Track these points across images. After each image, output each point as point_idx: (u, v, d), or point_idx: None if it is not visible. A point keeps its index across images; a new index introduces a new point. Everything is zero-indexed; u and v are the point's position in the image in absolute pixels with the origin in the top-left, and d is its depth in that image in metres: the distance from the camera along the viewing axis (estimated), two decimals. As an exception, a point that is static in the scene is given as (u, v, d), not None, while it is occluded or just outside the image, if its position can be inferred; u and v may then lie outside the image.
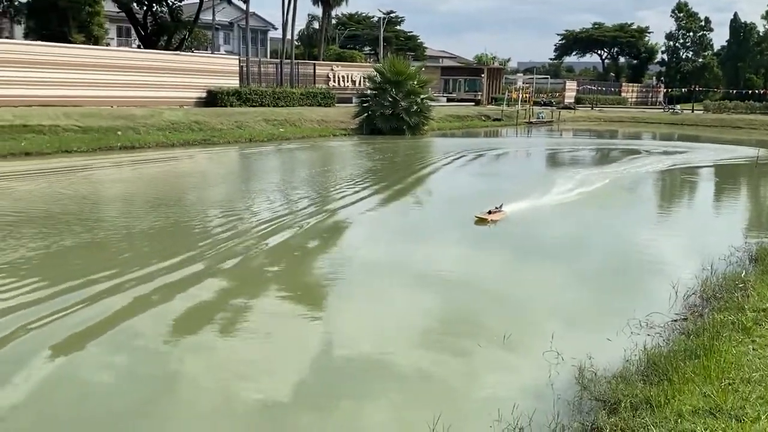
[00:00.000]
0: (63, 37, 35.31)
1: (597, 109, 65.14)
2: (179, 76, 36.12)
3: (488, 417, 5.04)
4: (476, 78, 62.82)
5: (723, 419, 4.45)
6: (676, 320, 7.40)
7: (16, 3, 39.13)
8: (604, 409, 5.04)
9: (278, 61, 45.83)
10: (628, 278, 9.72)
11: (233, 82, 38.98)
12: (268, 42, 64.85)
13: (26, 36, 39.49)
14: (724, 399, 4.71)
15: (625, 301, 8.37)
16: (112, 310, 7.53)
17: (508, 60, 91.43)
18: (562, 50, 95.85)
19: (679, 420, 4.51)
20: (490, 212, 12.75)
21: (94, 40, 39.49)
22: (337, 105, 42.42)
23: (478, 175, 22.11)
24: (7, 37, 40.27)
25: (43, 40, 33.19)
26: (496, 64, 72.48)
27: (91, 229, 11.98)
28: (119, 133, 25.84)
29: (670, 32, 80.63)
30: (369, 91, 37.80)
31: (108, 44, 44.43)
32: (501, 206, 13.25)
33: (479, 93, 60.14)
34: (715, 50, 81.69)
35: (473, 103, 56.59)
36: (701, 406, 4.68)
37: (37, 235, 11.08)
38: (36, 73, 29.66)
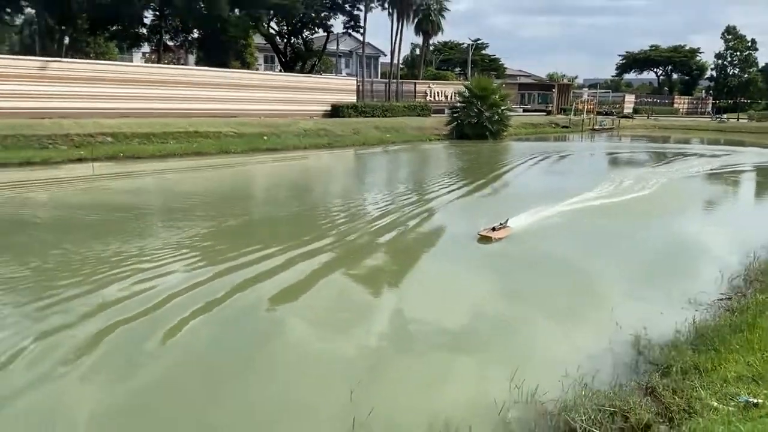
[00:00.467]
0: (224, 64, 36.87)
1: (652, 118, 61.79)
2: (310, 94, 36.94)
3: (557, 374, 4.93)
4: (548, 92, 60.96)
5: (765, 385, 4.23)
6: (721, 299, 6.99)
7: (189, 38, 41.17)
8: (657, 372, 4.86)
9: (386, 80, 46.11)
10: (680, 263, 9.12)
11: (351, 98, 39.55)
12: (379, 65, 65.22)
13: (197, 63, 41.48)
14: (766, 368, 4.48)
15: (677, 282, 7.93)
16: (259, 274, 7.68)
17: (575, 77, 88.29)
18: (623, 68, 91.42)
19: (725, 384, 4.32)
20: (494, 229, 10.04)
21: (247, 65, 41.09)
22: (432, 115, 42.24)
23: (548, 173, 21.44)
24: (183, 64, 42.49)
25: (209, 66, 34.84)
26: (565, 81, 70.16)
27: (246, 213, 12.47)
28: (265, 138, 26.77)
29: (719, 52, 75.09)
30: (459, 104, 37.48)
31: (257, 69, 46.02)
32: (506, 222, 10.45)
33: (550, 105, 58.36)
34: (760, 67, 75.73)
35: (545, 113, 55.04)
36: (744, 374, 4.46)
37: (206, 217, 11.47)
38: (205, 91, 31.16)
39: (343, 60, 60.40)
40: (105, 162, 19.70)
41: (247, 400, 4.64)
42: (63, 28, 35.27)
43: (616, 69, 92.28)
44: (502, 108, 36.59)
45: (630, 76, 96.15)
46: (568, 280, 7.98)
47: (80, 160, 19.47)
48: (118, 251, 8.56)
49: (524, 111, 55.60)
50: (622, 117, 57.46)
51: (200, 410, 4.53)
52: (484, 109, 35.02)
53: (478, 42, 70.65)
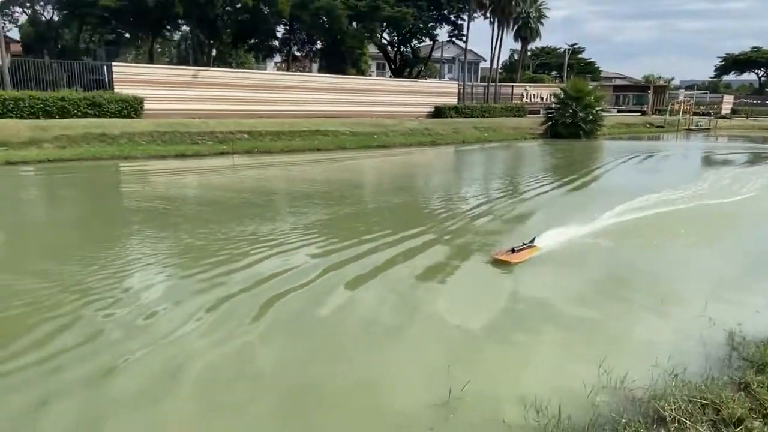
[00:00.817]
0: (342, 71, 37.76)
1: (752, 118, 56.13)
2: (415, 97, 36.96)
3: (647, 363, 4.58)
4: (643, 94, 56.91)
5: None
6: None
7: (314, 49, 42.52)
8: (752, 368, 4.40)
9: (485, 84, 45.15)
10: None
11: (453, 100, 39.14)
12: (479, 70, 63.98)
13: (319, 70, 42.81)
14: None
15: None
16: (373, 258, 7.73)
17: (672, 79, 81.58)
18: (722, 70, 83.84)
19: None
20: (513, 250, 7.55)
21: (361, 72, 41.81)
22: (527, 116, 40.91)
23: (641, 171, 20.00)
24: (307, 72, 43.98)
25: (329, 73, 35.83)
26: (661, 82, 65.15)
27: (359, 201, 12.68)
28: (375, 136, 27.16)
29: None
30: (554, 105, 36.04)
31: (370, 75, 46.74)
32: (533, 240, 8.04)
33: (645, 106, 54.56)
34: None
35: (639, 114, 51.55)
36: None
37: (324, 204, 11.76)
38: (325, 95, 32.12)
39: (446, 66, 59.93)
40: (242, 155, 20.88)
41: (374, 362, 4.75)
42: (211, 42, 37.66)
43: (715, 71, 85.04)
44: (597, 109, 34.73)
45: (729, 77, 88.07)
46: (659, 272, 7.39)
47: (222, 153, 20.76)
48: (254, 232, 8.97)
49: (618, 111, 52.38)
50: (720, 117, 52.58)
51: (347, 363, 4.66)
52: (579, 109, 33.42)
53: (575, 46, 67.48)
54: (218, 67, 34.46)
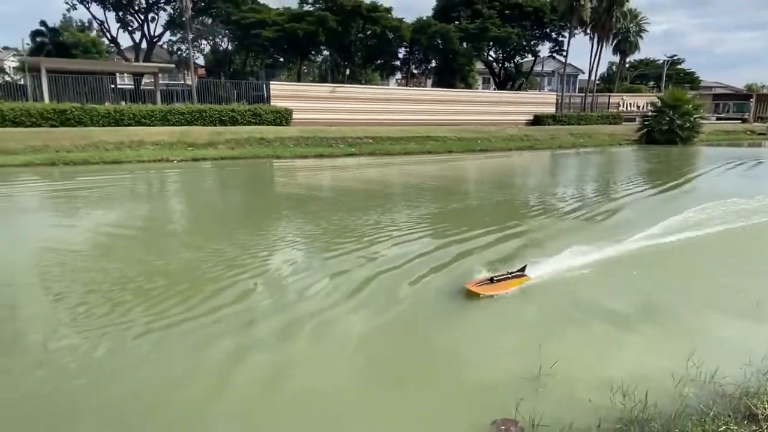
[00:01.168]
0: (452, 85, 37.33)
1: None
2: (516, 107, 35.48)
3: (738, 361, 4.03)
4: (744, 102, 49.91)
5: None
6: None
7: (429, 67, 42.40)
8: None
9: (583, 94, 42.14)
10: None
11: (551, 110, 37.04)
12: (577, 82, 59.79)
13: (432, 85, 42.62)
14: None
15: None
16: (479, 246, 7.55)
17: (776, 87, 70.51)
18: (835, 77, 70.98)
19: None
20: (492, 280, 5.66)
21: (469, 85, 40.95)
22: (623, 123, 37.62)
23: (740, 176, 17.64)
24: (422, 86, 43.97)
25: (441, 87, 35.57)
26: (765, 91, 56.53)
27: (465, 198, 12.44)
28: (479, 141, 26.57)
29: None
30: (650, 113, 32.75)
31: (476, 88, 45.67)
32: (524, 269, 5.94)
33: (746, 114, 47.79)
34: None
35: (740, 122, 45.25)
36: None
37: (434, 200, 11.72)
38: (436, 106, 31.98)
39: (546, 78, 56.85)
40: (367, 156, 21.47)
41: (459, 333, 4.69)
42: (345, 63, 38.99)
43: (825, 79, 71.93)
44: (695, 116, 31.02)
45: None
46: (752, 275, 6.46)
47: (351, 154, 21.50)
48: (377, 221, 9.17)
49: (717, 119, 46.44)
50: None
51: (429, 336, 4.70)
52: (676, 117, 30.09)
53: (674, 58, 60.64)
54: (351, 83, 35.63)
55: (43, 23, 37.31)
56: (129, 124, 20.96)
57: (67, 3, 34.68)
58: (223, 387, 3.79)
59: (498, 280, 5.69)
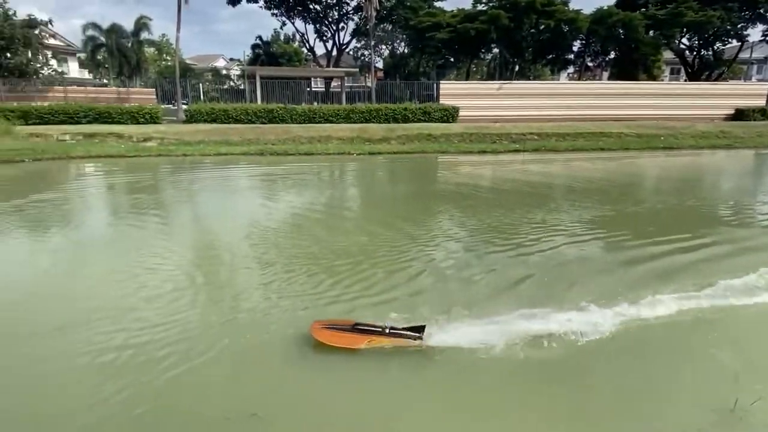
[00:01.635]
0: (632, 77, 33.15)
1: None
2: (711, 99, 29.83)
3: None
4: None
5: None
6: None
7: (606, 59, 38.32)
8: None
9: (809, 83, 33.48)
10: None
11: (760, 102, 30.27)
12: (801, 69, 47.64)
13: (609, 78, 38.43)
14: None
15: None
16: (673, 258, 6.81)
17: None
18: None
19: None
20: (354, 327, 4.29)
21: (653, 77, 35.88)
22: None
23: None
24: (598, 80, 39.93)
25: (619, 81, 31.86)
26: None
27: (642, 201, 10.89)
28: (662, 138, 23.08)
29: None
30: None
31: (662, 80, 39.73)
32: (421, 330, 4.21)
33: None
34: None
35: None
36: None
37: (603, 201, 10.58)
38: (610, 100, 28.78)
39: (755, 66, 46.66)
40: (531, 153, 20.35)
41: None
42: (515, 59, 37.45)
43: None
44: None
45: None
46: None
47: (515, 151, 20.63)
48: (543, 219, 8.72)
49: None
50: None
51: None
52: None
53: None
54: (518, 80, 34.15)
55: (258, 37, 43.94)
56: (319, 122, 23.48)
57: (277, 20, 40.16)
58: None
59: (363, 333, 4.21)
